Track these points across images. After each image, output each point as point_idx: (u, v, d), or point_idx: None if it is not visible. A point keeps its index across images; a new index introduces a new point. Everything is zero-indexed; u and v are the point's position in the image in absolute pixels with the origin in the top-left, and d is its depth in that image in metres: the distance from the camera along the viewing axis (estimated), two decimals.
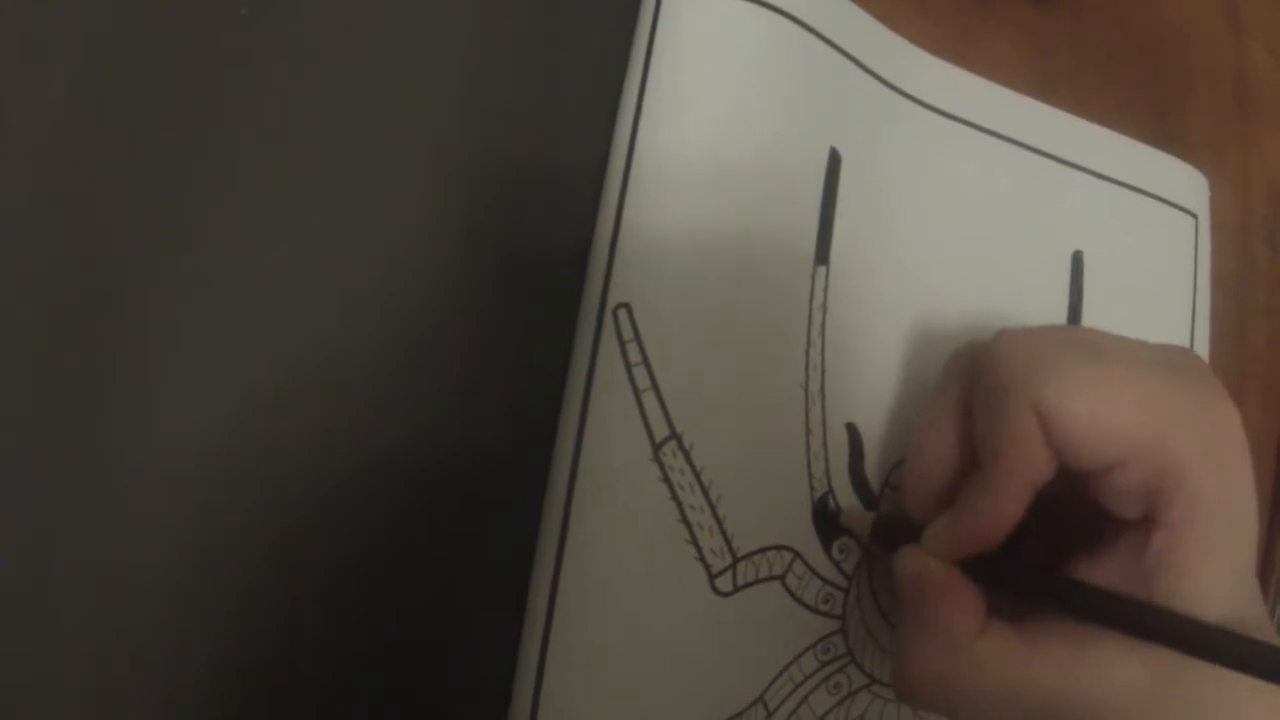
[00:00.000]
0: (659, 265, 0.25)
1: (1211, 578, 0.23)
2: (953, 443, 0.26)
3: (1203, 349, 0.36)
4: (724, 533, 0.25)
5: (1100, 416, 0.23)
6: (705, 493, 0.25)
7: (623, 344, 0.25)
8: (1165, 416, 0.23)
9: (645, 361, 0.25)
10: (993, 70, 0.34)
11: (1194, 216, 0.37)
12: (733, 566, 0.25)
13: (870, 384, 0.29)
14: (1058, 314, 0.33)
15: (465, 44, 0.26)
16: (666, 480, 0.25)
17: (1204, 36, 0.42)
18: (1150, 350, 0.25)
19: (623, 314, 0.25)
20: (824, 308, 0.28)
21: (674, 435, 0.25)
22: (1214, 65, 0.42)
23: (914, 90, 0.32)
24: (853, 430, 0.29)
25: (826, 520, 0.28)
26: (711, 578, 0.25)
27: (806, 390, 0.27)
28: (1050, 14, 0.38)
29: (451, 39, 0.25)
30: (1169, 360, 0.25)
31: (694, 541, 0.25)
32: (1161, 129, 0.38)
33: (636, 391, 0.25)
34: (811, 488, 0.28)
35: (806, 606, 0.27)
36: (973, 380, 0.26)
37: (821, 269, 0.28)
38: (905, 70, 0.31)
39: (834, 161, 0.29)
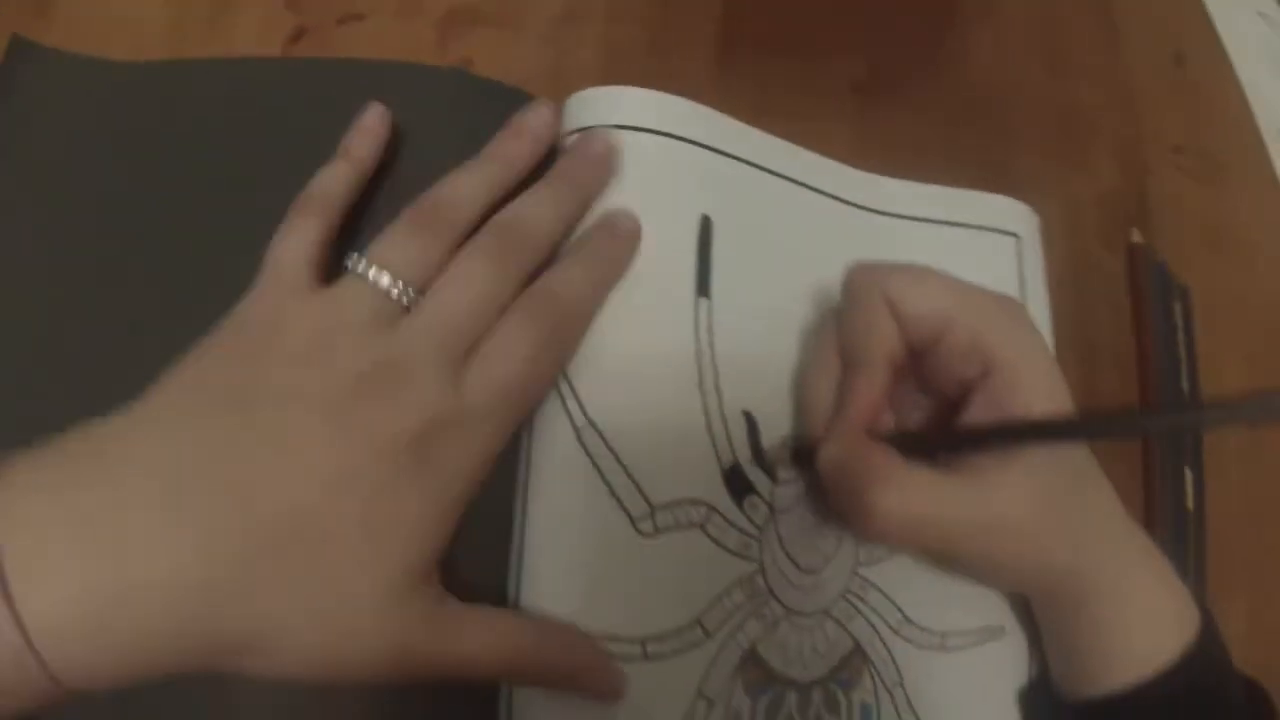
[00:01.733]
0: None
1: (1042, 399, 0.33)
2: (834, 368, 0.36)
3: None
4: (640, 490, 0.34)
5: (927, 296, 0.34)
6: (619, 461, 0.34)
7: None
8: (975, 298, 0.34)
9: (567, 379, 0.34)
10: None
11: (1015, 236, 0.45)
12: (651, 514, 0.34)
13: (759, 379, 0.38)
14: None
15: None
16: (588, 454, 0.34)
17: (1027, 85, 0.52)
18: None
19: None
20: (710, 329, 0.37)
21: (590, 423, 0.34)
22: (1039, 109, 0.52)
23: (767, 164, 0.41)
24: (749, 416, 0.37)
25: (738, 479, 0.36)
26: (634, 521, 0.34)
27: (701, 388, 0.36)
28: (874, 101, 0.49)
29: None
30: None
31: (614, 495, 0.34)
32: (992, 178, 0.47)
33: (561, 395, 0.34)
34: (719, 459, 0.36)
35: (729, 551, 0.36)
36: (839, 314, 0.36)
37: (704, 301, 0.38)
38: (759, 149, 0.41)
39: (706, 222, 0.39)
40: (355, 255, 0.29)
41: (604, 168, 0.35)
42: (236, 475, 0.25)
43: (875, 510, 0.32)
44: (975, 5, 0.55)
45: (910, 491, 0.32)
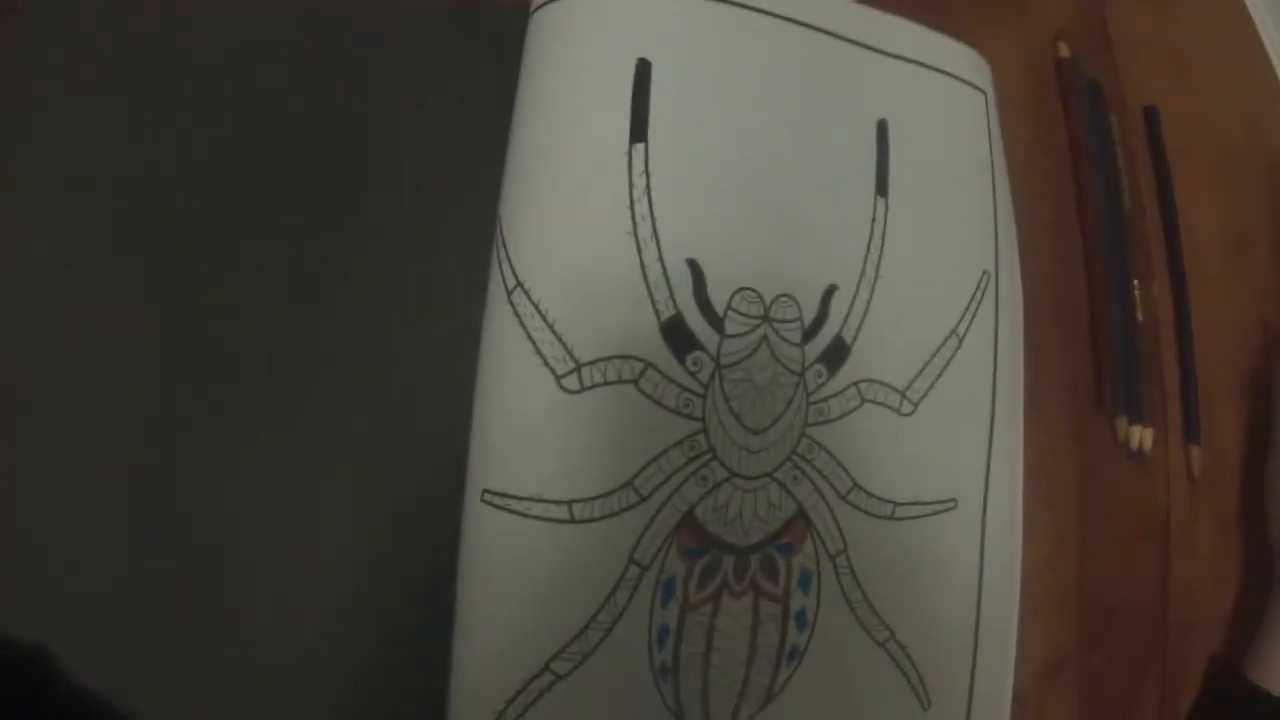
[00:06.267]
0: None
1: None
2: None
3: (1006, 209, 0.41)
4: (565, 346, 0.32)
5: None
6: (544, 318, 0.32)
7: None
8: None
9: (504, 245, 0.33)
10: None
11: (983, 92, 0.42)
12: (576, 370, 0.32)
13: (706, 225, 0.35)
14: (867, 176, 0.39)
15: None
16: (517, 314, 0.32)
17: None
18: None
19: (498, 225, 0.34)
20: (646, 174, 0.34)
21: (519, 284, 0.32)
22: None
23: None
24: (694, 265, 0.35)
25: (679, 333, 0.34)
26: (558, 379, 0.32)
27: (636, 236, 0.34)
28: None
29: None
30: None
31: (539, 353, 0.32)
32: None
33: (499, 260, 0.33)
34: (657, 312, 0.34)
35: (667, 409, 0.34)
36: None
37: (638, 146, 0.35)
38: None
39: (642, 66, 0.35)
40: None
41: None
42: None
43: None
44: None
45: None
